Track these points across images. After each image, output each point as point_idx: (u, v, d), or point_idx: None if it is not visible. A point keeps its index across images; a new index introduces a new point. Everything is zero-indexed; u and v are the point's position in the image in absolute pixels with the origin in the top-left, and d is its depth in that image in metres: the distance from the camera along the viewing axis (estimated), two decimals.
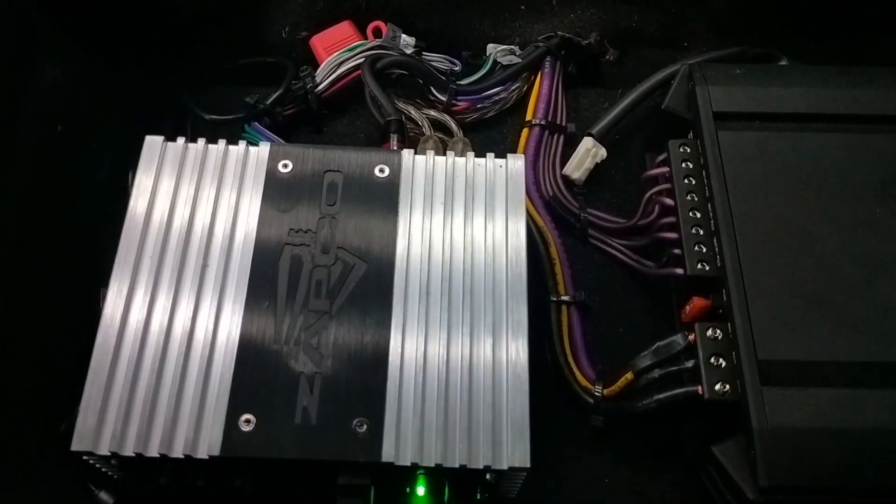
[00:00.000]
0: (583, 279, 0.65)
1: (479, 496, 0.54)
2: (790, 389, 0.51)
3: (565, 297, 0.62)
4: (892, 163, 0.58)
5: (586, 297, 0.63)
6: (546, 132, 0.69)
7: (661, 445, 0.58)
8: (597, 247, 0.66)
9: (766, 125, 0.60)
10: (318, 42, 0.71)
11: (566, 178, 0.68)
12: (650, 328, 0.62)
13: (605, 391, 0.58)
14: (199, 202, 0.54)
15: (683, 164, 0.61)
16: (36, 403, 0.54)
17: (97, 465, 0.49)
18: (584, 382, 0.59)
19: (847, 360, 0.51)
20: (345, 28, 0.72)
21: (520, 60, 0.71)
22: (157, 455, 0.47)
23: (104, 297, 0.50)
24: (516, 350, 0.50)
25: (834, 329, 0.52)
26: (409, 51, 0.70)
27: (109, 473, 0.51)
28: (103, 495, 0.53)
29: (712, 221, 0.57)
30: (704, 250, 0.57)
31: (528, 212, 0.65)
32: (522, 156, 0.58)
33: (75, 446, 0.47)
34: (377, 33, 0.72)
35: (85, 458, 0.48)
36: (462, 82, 0.70)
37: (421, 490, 0.53)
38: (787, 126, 0.60)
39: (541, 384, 0.60)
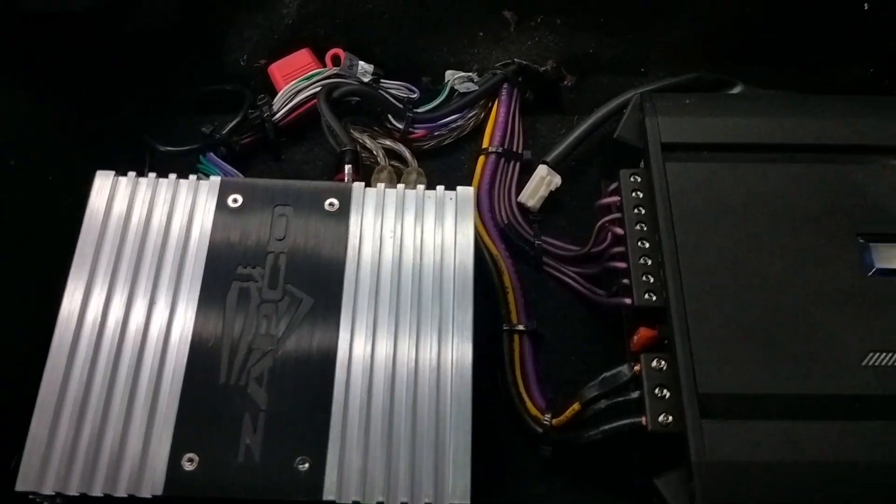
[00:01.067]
0: (536, 307, 0.65)
1: None
2: (730, 422, 0.51)
3: (518, 326, 0.63)
4: (837, 193, 0.59)
5: (539, 326, 0.64)
6: (502, 160, 0.69)
7: (610, 475, 0.59)
8: (551, 274, 0.67)
9: (714, 156, 0.61)
10: (277, 70, 0.72)
11: (521, 206, 0.68)
12: (602, 357, 0.62)
13: (554, 421, 0.58)
14: (147, 238, 0.55)
15: (634, 194, 0.62)
16: None
17: None
18: (533, 412, 0.60)
19: (787, 392, 0.52)
20: (303, 56, 0.72)
21: (477, 87, 0.72)
22: (101, 495, 0.48)
23: None
24: (460, 388, 0.51)
25: (775, 362, 0.53)
26: (366, 78, 0.71)
27: None
28: None
29: (660, 252, 0.58)
30: (652, 280, 0.58)
31: (482, 240, 0.66)
32: (472, 188, 0.58)
33: (20, 486, 0.47)
34: (336, 61, 0.72)
35: (31, 497, 0.49)
36: (419, 110, 0.71)
37: None
38: (735, 157, 0.60)
39: (492, 413, 0.61)
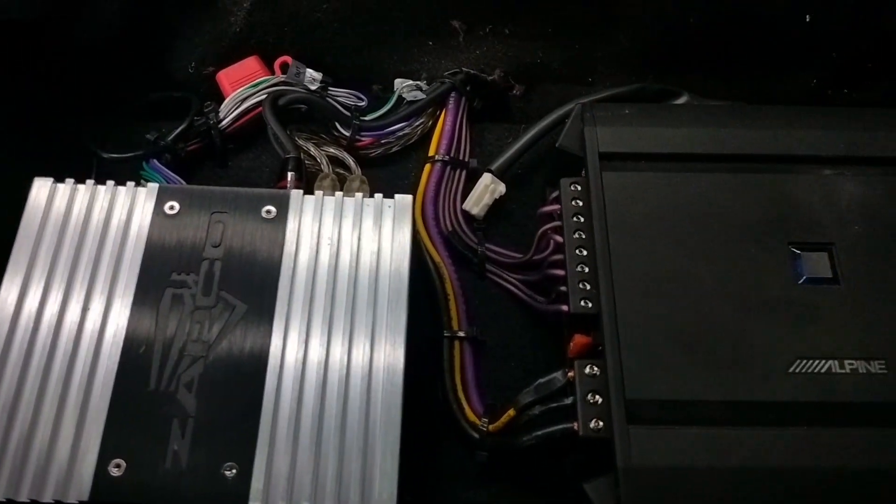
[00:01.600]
0: (479, 314, 0.66)
1: None
2: (657, 428, 0.52)
3: (459, 333, 0.63)
4: (771, 203, 0.60)
5: (480, 332, 0.65)
6: (448, 168, 0.70)
7: (545, 480, 0.59)
8: (494, 281, 0.68)
9: (651, 165, 0.61)
10: (225, 77, 0.72)
11: (466, 214, 0.69)
12: (543, 363, 0.63)
13: (490, 427, 0.59)
14: (83, 244, 0.55)
15: (573, 202, 0.63)
16: None
17: None
18: (471, 417, 0.60)
19: (714, 399, 0.52)
20: (251, 63, 0.73)
21: (424, 96, 0.72)
22: (28, 500, 0.48)
23: None
24: (390, 395, 0.51)
25: (702, 369, 0.53)
26: (314, 86, 0.71)
27: None
28: None
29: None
30: (588, 288, 0.58)
31: (425, 247, 0.67)
32: (410, 196, 0.59)
33: None
34: (284, 69, 0.73)
35: None
36: (366, 118, 0.72)
37: None
38: (671, 166, 0.61)
39: (431, 419, 0.62)
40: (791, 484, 0.51)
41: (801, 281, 0.57)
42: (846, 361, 0.54)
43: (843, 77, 0.75)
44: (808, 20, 0.72)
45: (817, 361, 0.54)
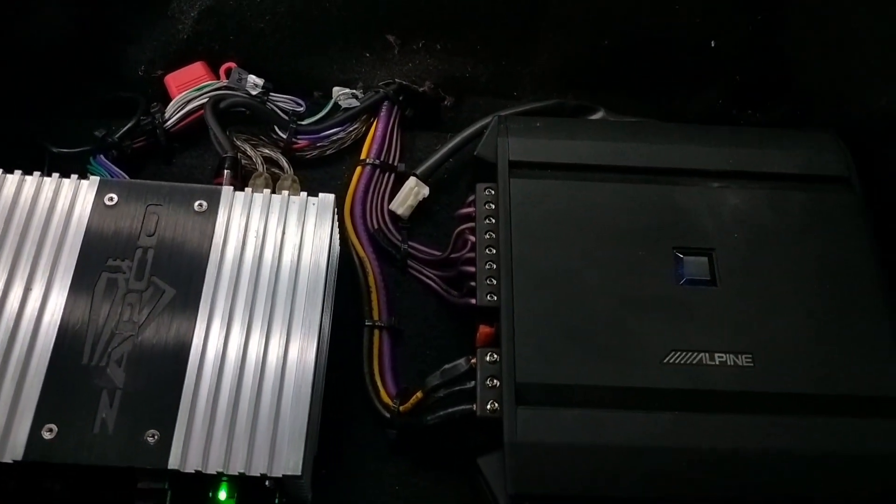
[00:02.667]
0: (399, 306, 0.72)
1: (276, 501, 0.60)
2: (541, 409, 0.58)
3: (378, 323, 0.69)
4: (661, 211, 0.66)
5: (399, 323, 0.70)
6: (377, 171, 0.76)
7: (450, 457, 0.65)
8: (414, 276, 0.73)
9: (554, 174, 0.68)
10: (172, 80, 0.78)
11: (392, 214, 0.75)
12: (454, 351, 0.67)
13: (401, 407, 0.65)
14: (28, 230, 0.60)
15: (486, 206, 0.68)
16: None
17: None
18: (385, 399, 0.66)
19: (594, 384, 0.59)
20: (197, 68, 0.78)
21: (359, 104, 0.78)
22: None
23: None
24: (302, 374, 0.57)
25: (584, 357, 0.59)
26: (255, 91, 0.77)
27: None
28: None
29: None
30: (494, 283, 0.64)
31: (351, 243, 0.73)
32: (333, 195, 0.64)
33: None
34: (229, 74, 0.78)
35: None
36: (303, 122, 0.77)
37: (223, 494, 0.59)
38: (573, 175, 0.68)
39: (353, 400, 0.68)
40: (660, 462, 0.57)
41: (682, 282, 0.63)
42: (716, 354, 0.61)
43: (746, 98, 0.82)
44: (713, 45, 0.79)
45: (690, 354, 0.60)
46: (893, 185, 0.71)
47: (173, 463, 0.53)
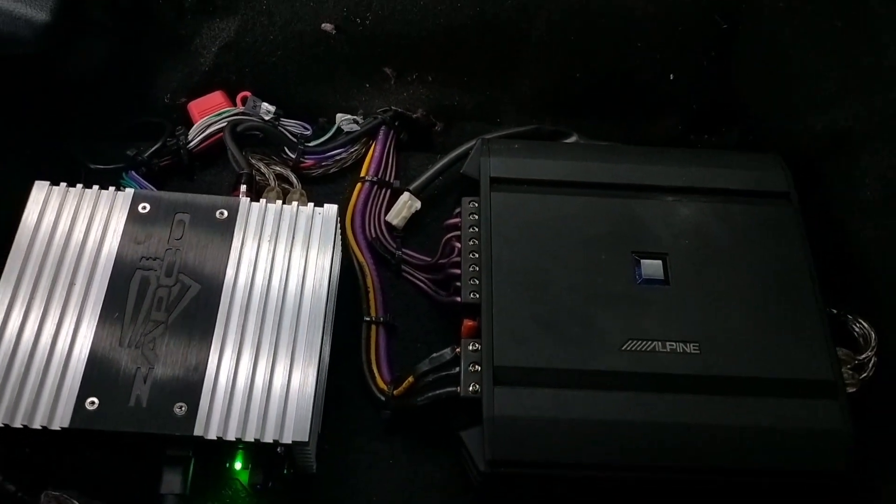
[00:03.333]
0: (394, 305, 0.81)
1: (285, 471, 0.69)
2: (515, 388, 0.66)
3: (376, 319, 0.78)
4: (622, 220, 0.75)
5: (394, 319, 0.79)
6: (375, 187, 0.85)
7: (437, 433, 0.73)
8: (407, 279, 0.82)
9: (530, 189, 0.76)
10: (194, 107, 0.87)
11: (388, 224, 0.84)
12: (442, 344, 0.75)
13: (395, 391, 0.73)
14: (72, 233, 0.69)
15: (471, 217, 0.77)
16: None
17: None
18: (381, 385, 0.75)
19: (561, 367, 0.67)
20: (217, 96, 0.88)
21: (359, 128, 0.88)
22: (21, 426, 0.61)
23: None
24: (308, 354, 0.66)
25: (553, 344, 0.68)
26: (268, 117, 0.87)
27: None
28: None
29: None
30: (476, 283, 0.73)
31: (352, 250, 0.82)
32: (336, 206, 0.74)
33: None
34: (245, 102, 0.88)
35: None
36: (310, 144, 0.87)
37: (238, 465, 0.68)
38: (546, 190, 0.76)
39: (352, 386, 0.76)
40: (617, 434, 0.65)
41: (639, 281, 0.72)
42: (668, 343, 0.69)
43: (702, 124, 0.92)
44: (671, 78, 0.89)
45: (645, 342, 0.68)
46: (827, 197, 0.80)
47: (198, 430, 0.62)
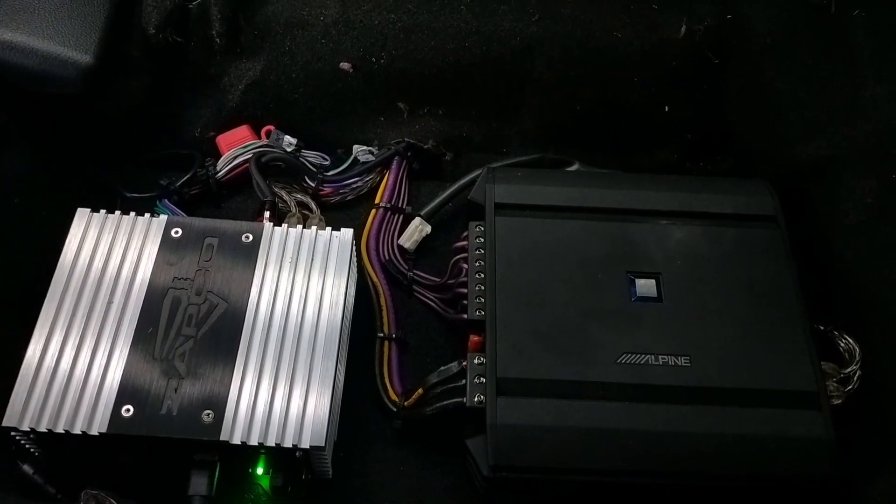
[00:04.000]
0: (406, 322, 0.86)
1: (304, 476, 0.74)
2: (517, 398, 0.70)
3: (389, 335, 0.83)
4: (618, 242, 0.78)
5: (406, 336, 0.84)
6: (388, 212, 0.90)
7: (444, 442, 0.77)
8: (419, 298, 0.87)
9: (531, 214, 0.80)
10: (222, 140, 0.93)
11: (400, 247, 0.90)
12: (450, 358, 0.80)
13: (406, 402, 0.78)
14: (111, 256, 0.75)
15: (477, 240, 0.82)
16: None
17: (21, 441, 0.69)
18: (392, 396, 0.79)
19: (560, 379, 0.70)
20: (243, 130, 0.93)
21: (373, 159, 0.94)
22: (63, 431, 0.67)
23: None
24: (325, 368, 0.71)
25: (553, 357, 0.72)
26: (290, 149, 0.93)
27: (30, 448, 0.70)
28: (26, 467, 0.73)
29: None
30: (482, 301, 0.78)
31: (367, 271, 0.87)
32: (352, 230, 0.79)
33: (6, 422, 0.67)
34: (268, 135, 0.94)
35: (12, 433, 0.68)
36: (328, 173, 0.93)
37: (260, 470, 0.73)
38: (547, 215, 0.80)
39: (366, 397, 0.81)
40: (612, 441, 0.69)
41: (634, 299, 0.76)
42: (660, 356, 0.72)
43: (696, 153, 0.97)
44: (666, 110, 0.95)
45: (639, 356, 0.72)
46: (814, 220, 0.85)
47: (224, 436, 0.67)
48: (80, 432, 0.66)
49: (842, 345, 0.79)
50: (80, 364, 0.69)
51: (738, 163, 0.96)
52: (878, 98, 0.81)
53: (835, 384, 0.77)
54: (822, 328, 0.79)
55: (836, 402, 0.76)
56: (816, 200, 0.86)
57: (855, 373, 0.78)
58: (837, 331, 0.79)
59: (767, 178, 0.86)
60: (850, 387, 0.77)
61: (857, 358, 0.78)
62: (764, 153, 0.91)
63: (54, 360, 0.69)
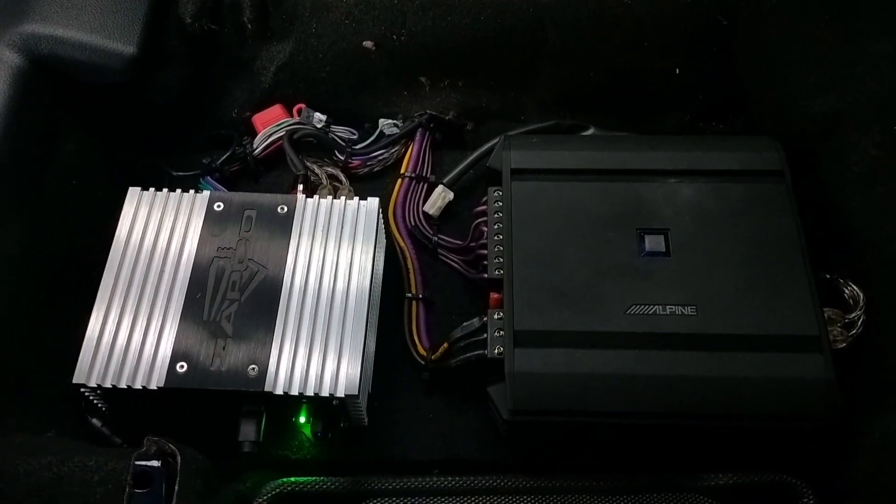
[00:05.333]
0: (432, 283, 0.91)
1: (342, 424, 0.81)
2: (533, 349, 0.75)
3: (416, 295, 0.89)
4: (629, 201, 0.82)
5: (432, 295, 0.90)
6: (413, 182, 0.96)
7: (470, 392, 0.83)
8: (443, 261, 0.93)
9: (546, 177, 0.85)
10: (258, 119, 0.99)
11: (425, 214, 0.95)
12: (473, 315, 0.84)
13: (433, 356, 0.84)
14: (161, 230, 0.82)
15: (496, 204, 0.86)
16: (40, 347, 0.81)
17: (90, 397, 0.78)
18: (421, 351, 0.85)
19: (573, 330, 0.75)
20: (276, 109, 1.00)
21: (398, 131, 0.99)
22: (125, 387, 0.75)
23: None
24: (357, 325, 0.77)
25: (564, 310, 0.76)
26: (320, 125, 0.99)
27: (96, 403, 0.79)
28: (95, 421, 0.81)
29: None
30: (501, 261, 0.83)
31: (394, 237, 0.93)
32: (377, 199, 0.85)
33: (75, 379, 0.75)
34: (300, 113, 1.00)
35: (81, 389, 0.76)
36: (356, 147, 0.99)
37: (302, 419, 0.80)
38: (560, 178, 0.84)
39: (397, 352, 0.88)
40: (623, 386, 0.74)
41: (643, 254, 0.79)
42: (668, 306, 0.76)
43: (709, 113, 1.00)
44: (678, 73, 0.98)
45: (647, 307, 0.76)
46: (821, 175, 0.88)
47: (268, 387, 0.74)
48: (140, 387, 0.74)
49: (847, 292, 0.83)
50: (138, 328, 0.77)
51: (749, 122, 0.99)
52: (882, 54, 0.83)
53: (839, 329, 0.81)
54: (827, 276, 0.83)
55: (841, 346, 0.80)
56: (824, 156, 0.88)
57: (859, 318, 0.81)
58: (842, 279, 0.83)
59: (777, 136, 0.88)
60: (854, 331, 0.81)
61: (861, 304, 0.81)
62: (773, 112, 0.94)
63: (115, 324, 0.77)
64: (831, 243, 0.85)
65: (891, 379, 0.77)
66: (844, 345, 0.80)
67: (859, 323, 0.81)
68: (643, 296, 0.78)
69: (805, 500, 0.77)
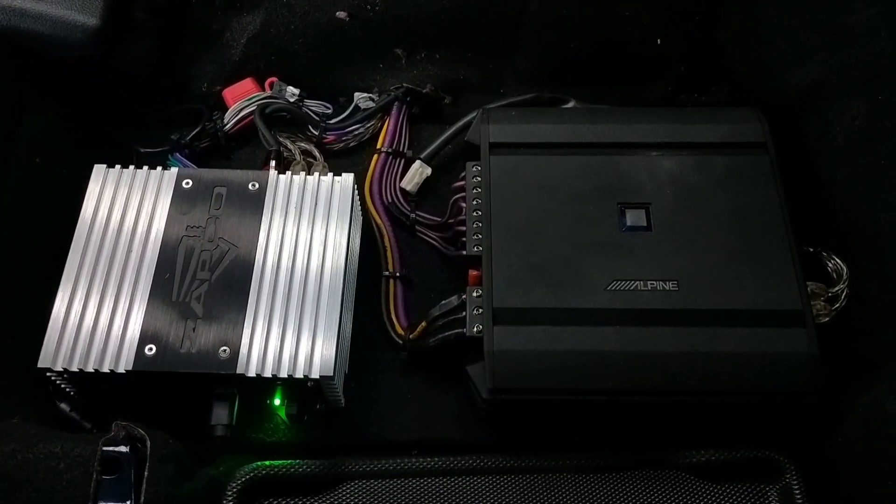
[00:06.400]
0: (409, 261, 0.89)
1: (318, 406, 0.79)
2: (512, 327, 0.74)
3: (394, 273, 0.87)
4: (609, 174, 0.81)
5: (410, 273, 0.88)
6: (390, 157, 0.94)
7: (447, 370, 0.81)
8: (421, 238, 0.91)
9: (525, 151, 0.83)
10: (228, 93, 0.96)
11: (402, 190, 0.93)
12: (452, 293, 0.83)
13: (411, 335, 0.83)
14: (127, 209, 0.80)
15: (474, 179, 0.85)
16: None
17: (56, 381, 0.75)
18: (399, 330, 0.84)
19: (552, 307, 0.74)
20: (247, 83, 0.97)
21: (374, 105, 0.97)
22: (93, 370, 0.73)
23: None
24: (332, 304, 0.76)
25: (544, 287, 0.75)
26: (293, 99, 0.96)
27: (64, 387, 0.76)
28: (63, 406, 0.79)
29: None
30: (479, 238, 0.82)
31: (371, 213, 0.91)
32: (352, 174, 0.83)
33: (41, 363, 0.73)
34: (272, 86, 0.97)
35: (47, 374, 0.74)
36: (331, 121, 0.96)
37: (277, 401, 0.78)
38: (539, 151, 0.83)
39: (374, 332, 0.86)
40: (603, 363, 0.73)
41: (624, 229, 0.78)
42: (649, 282, 0.75)
43: (691, 85, 0.98)
44: (659, 43, 0.96)
45: (628, 282, 0.75)
46: (804, 146, 0.86)
47: (240, 369, 0.72)
48: (108, 370, 0.72)
49: (830, 265, 0.82)
50: (105, 309, 0.75)
51: (732, 93, 0.97)
52: (865, 22, 0.82)
53: (822, 303, 0.80)
54: (810, 250, 0.82)
55: (824, 320, 0.79)
56: (808, 126, 0.87)
57: (843, 291, 0.80)
58: (826, 252, 0.82)
59: (761, 108, 0.87)
60: (837, 305, 0.80)
61: (845, 277, 0.80)
62: (757, 82, 0.92)
63: (81, 306, 0.75)
64: (815, 216, 0.84)
65: (874, 353, 0.76)
66: (828, 319, 0.80)
67: (843, 297, 0.80)
68: (624, 271, 0.77)
69: (788, 475, 0.77)
